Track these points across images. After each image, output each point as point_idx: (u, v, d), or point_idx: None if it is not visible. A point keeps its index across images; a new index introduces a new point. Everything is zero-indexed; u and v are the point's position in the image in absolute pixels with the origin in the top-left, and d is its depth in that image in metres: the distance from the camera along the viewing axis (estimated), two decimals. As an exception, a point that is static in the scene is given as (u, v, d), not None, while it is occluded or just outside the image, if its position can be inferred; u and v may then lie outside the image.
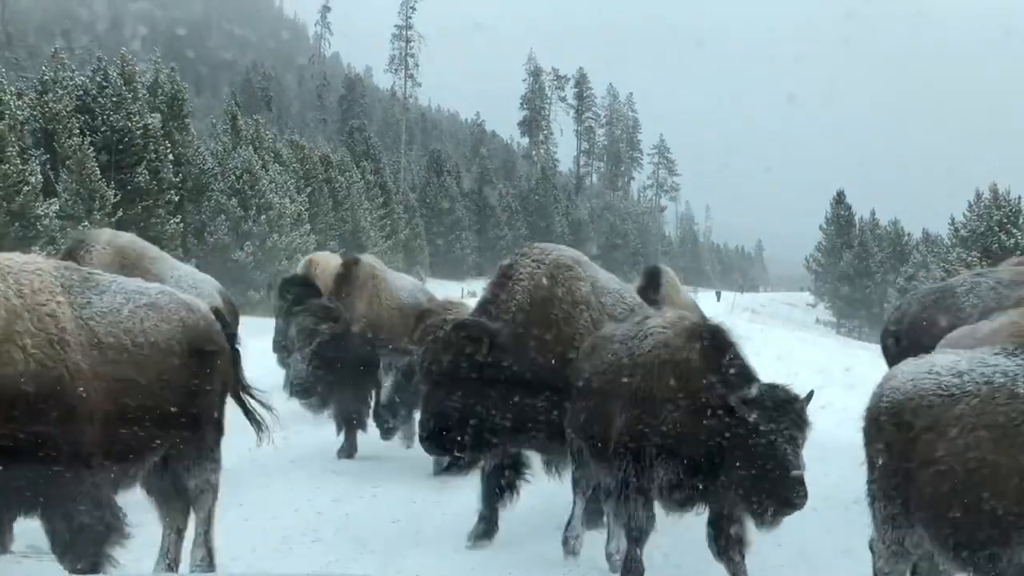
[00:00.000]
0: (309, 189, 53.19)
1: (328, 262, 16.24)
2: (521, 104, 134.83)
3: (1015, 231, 39.20)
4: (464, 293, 68.15)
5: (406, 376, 10.65)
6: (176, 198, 37.45)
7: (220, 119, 55.08)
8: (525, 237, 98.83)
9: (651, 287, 12.32)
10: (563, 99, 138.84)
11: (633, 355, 7.17)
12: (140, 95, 39.04)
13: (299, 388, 11.20)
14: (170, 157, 38.19)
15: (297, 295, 13.11)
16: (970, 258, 39.16)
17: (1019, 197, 41.02)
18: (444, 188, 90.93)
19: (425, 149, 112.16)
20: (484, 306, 8.75)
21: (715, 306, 63.32)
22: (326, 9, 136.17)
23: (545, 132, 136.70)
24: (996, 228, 39.54)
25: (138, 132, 36.85)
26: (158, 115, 38.77)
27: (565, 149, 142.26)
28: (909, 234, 67.72)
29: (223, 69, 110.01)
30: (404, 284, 13.33)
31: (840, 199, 67.94)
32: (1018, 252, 38.87)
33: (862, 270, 64.15)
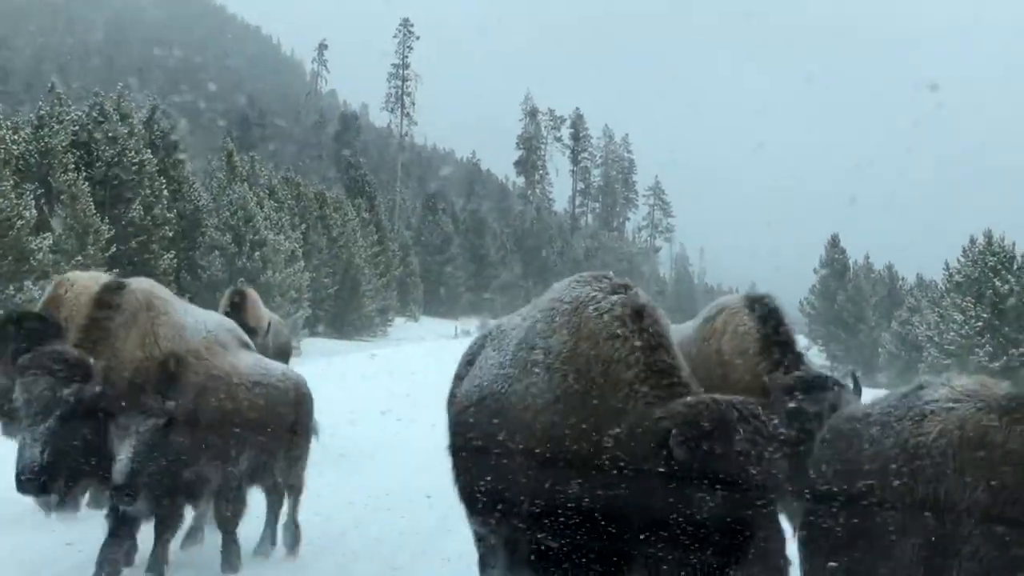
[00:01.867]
0: (304, 226, 53.20)
1: (85, 287, 10.08)
2: (517, 144, 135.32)
3: (1009, 277, 39.25)
4: (458, 332, 68.23)
5: (151, 446, 7.22)
6: (170, 234, 37.39)
7: (215, 155, 55.21)
8: (520, 276, 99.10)
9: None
10: (559, 139, 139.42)
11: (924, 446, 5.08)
12: (136, 131, 39.08)
13: (30, 482, 7.27)
14: (165, 193, 38.20)
15: (26, 338, 8.46)
16: (964, 303, 39.21)
17: (1013, 243, 41.12)
18: (439, 226, 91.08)
19: (420, 187, 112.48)
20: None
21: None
22: (323, 47, 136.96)
23: (541, 172, 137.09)
24: (990, 274, 39.56)
25: (133, 168, 36.86)
26: (150, 154, 38.69)
27: (560, 189, 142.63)
28: (903, 278, 67.82)
29: (219, 105, 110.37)
30: (195, 320, 8.86)
31: (834, 243, 68.03)
32: (1011, 298, 38.93)
33: (856, 314, 64.15)
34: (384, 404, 16.98)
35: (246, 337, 9.46)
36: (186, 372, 7.64)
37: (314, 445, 9.43)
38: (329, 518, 9.48)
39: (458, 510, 6.81)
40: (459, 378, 6.94)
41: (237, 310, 12.99)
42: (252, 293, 14.27)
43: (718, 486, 4.88)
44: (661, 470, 5.05)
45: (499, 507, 6.05)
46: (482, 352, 6.70)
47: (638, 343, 5.62)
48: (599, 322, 5.79)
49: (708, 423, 4.97)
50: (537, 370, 5.84)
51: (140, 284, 8.50)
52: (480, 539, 7.02)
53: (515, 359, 6.11)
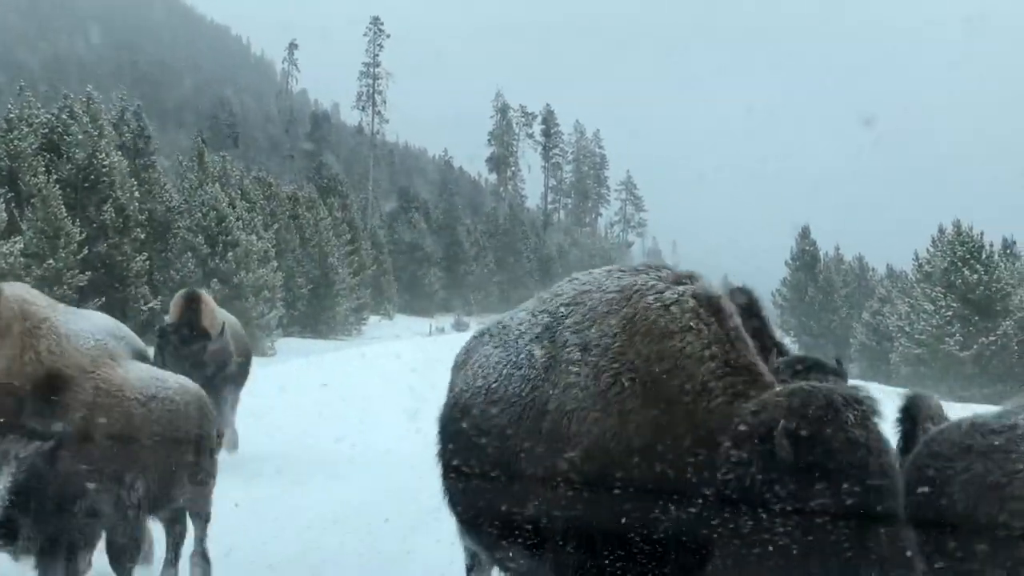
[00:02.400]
0: (276, 226, 53.09)
1: None
2: (489, 141, 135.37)
3: (978, 266, 39.58)
4: (432, 329, 68.22)
5: (33, 474, 6.07)
6: (142, 236, 37.28)
7: (187, 156, 55.01)
8: (493, 273, 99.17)
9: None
10: (530, 136, 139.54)
11: None
12: (106, 132, 38.93)
13: None
14: (136, 194, 38.09)
15: None
16: (934, 293, 39.52)
17: (981, 233, 41.50)
18: (412, 224, 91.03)
19: (393, 185, 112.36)
20: None
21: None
22: (293, 46, 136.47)
23: (513, 168, 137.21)
24: (959, 264, 39.89)
25: (104, 170, 36.72)
26: (121, 156, 38.52)
27: (533, 185, 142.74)
28: (873, 269, 68.26)
29: (190, 106, 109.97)
30: (80, 328, 7.66)
31: (805, 235, 68.34)
32: (980, 287, 39.28)
33: (827, 305, 64.53)
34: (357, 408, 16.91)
35: (141, 345, 8.33)
36: (71, 388, 6.67)
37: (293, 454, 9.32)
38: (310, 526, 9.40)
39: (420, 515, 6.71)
40: (454, 384, 6.26)
41: (190, 314, 12.50)
42: (205, 295, 13.44)
43: (835, 489, 4.16)
44: (758, 476, 4.30)
45: (510, 528, 5.35)
46: (478, 351, 6.06)
47: (714, 337, 4.92)
48: (665, 314, 5.03)
49: (819, 410, 4.29)
50: (575, 368, 5.08)
51: (13, 290, 7.23)
52: (472, 556, 6.56)
53: (534, 356, 5.40)
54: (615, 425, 4.83)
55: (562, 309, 5.50)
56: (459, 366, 6.31)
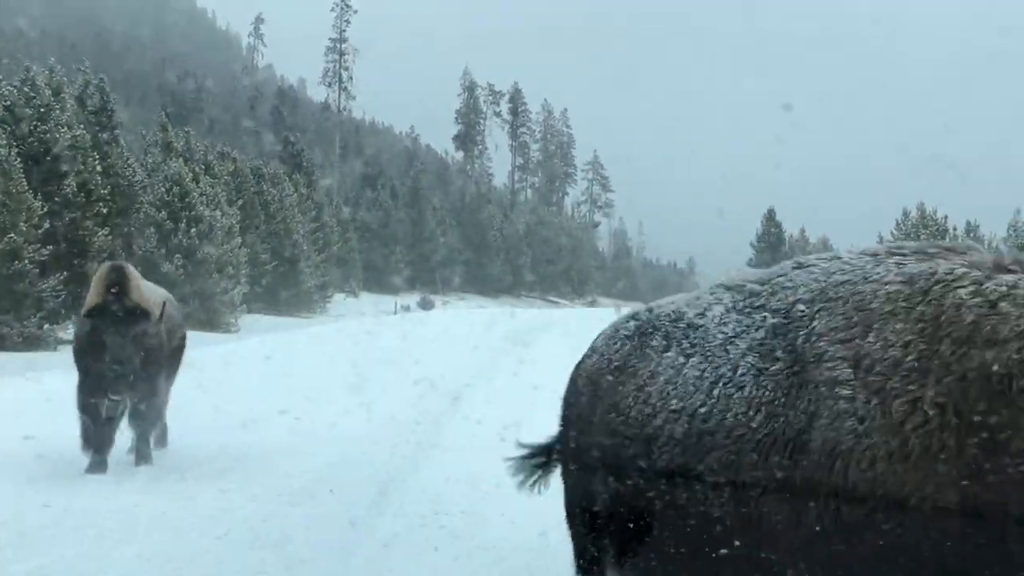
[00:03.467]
0: (241, 201, 52.74)
1: None
2: (456, 119, 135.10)
3: (942, 249, 39.93)
4: (398, 307, 68.08)
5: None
6: (105, 210, 36.89)
7: (150, 130, 54.50)
8: (459, 252, 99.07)
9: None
10: (498, 114, 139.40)
11: None
12: (68, 106, 38.46)
13: None
14: (98, 169, 37.67)
15: None
16: (898, 275, 39.79)
17: (945, 217, 41.74)
18: (378, 202, 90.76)
19: (359, 162, 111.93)
20: None
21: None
22: (259, 21, 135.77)
23: (480, 147, 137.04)
24: (923, 246, 40.25)
25: (66, 143, 36.29)
26: (84, 130, 38.05)
27: (500, 164, 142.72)
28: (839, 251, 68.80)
29: (154, 80, 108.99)
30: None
31: (771, 216, 68.69)
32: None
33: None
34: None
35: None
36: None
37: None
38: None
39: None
40: (614, 400, 4.58)
41: (119, 291, 10.26)
42: (131, 268, 10.90)
43: None
44: None
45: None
46: (655, 358, 4.47)
47: None
48: (991, 314, 3.55)
49: None
50: (844, 392, 3.65)
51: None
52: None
53: (765, 373, 3.95)
54: (919, 472, 3.44)
55: (801, 307, 4.04)
56: (619, 371, 4.63)
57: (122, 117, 43.51)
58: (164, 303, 10.90)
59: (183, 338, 12.38)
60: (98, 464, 10.08)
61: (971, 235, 52.69)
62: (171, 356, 11.58)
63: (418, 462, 10.26)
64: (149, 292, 11.05)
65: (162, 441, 11.62)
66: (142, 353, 10.14)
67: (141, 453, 10.60)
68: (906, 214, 42.90)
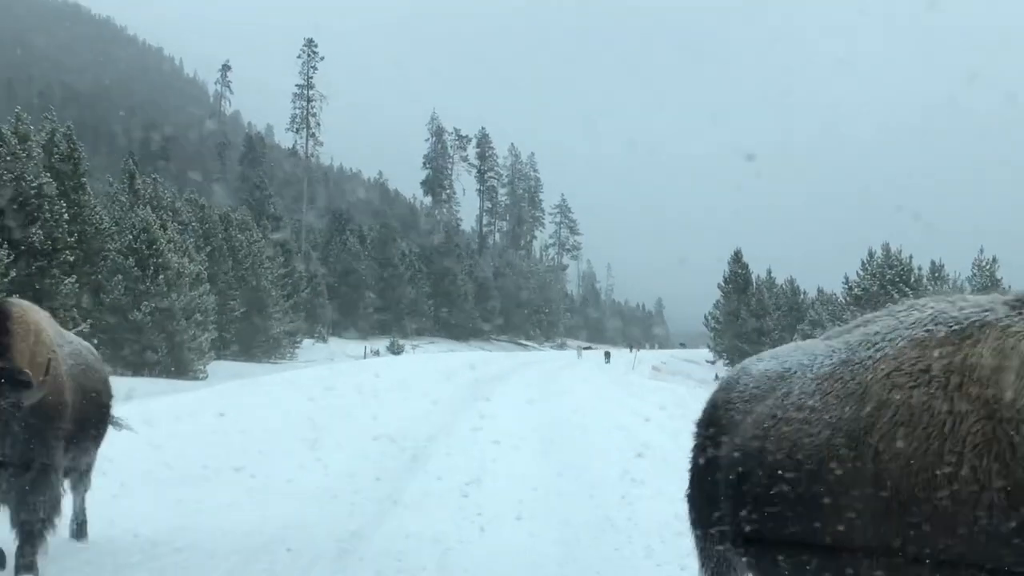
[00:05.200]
0: (209, 248, 52.65)
1: None
2: (424, 163, 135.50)
3: (907, 289, 40.16)
4: (367, 352, 67.91)
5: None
6: (71, 258, 36.77)
7: (117, 178, 54.38)
8: (428, 296, 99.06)
9: None
10: (465, 159, 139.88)
11: None
12: (35, 154, 38.37)
13: None
14: (65, 216, 37.57)
15: None
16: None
17: (910, 257, 42.12)
18: (346, 247, 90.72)
19: (327, 208, 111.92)
20: None
21: (615, 362, 63.52)
22: (226, 68, 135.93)
23: (448, 191, 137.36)
24: (888, 287, 40.48)
25: (32, 191, 36.18)
26: (50, 178, 37.90)
27: (468, 208, 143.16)
28: (804, 292, 69.07)
29: (121, 127, 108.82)
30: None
31: (738, 258, 69.01)
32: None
33: (759, 328, 65.15)
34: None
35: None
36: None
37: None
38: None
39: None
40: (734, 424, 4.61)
41: None
42: (17, 309, 7.50)
43: None
44: None
45: None
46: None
47: None
48: None
49: None
50: None
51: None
52: None
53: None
54: None
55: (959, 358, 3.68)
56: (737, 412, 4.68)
57: (89, 164, 43.38)
58: (49, 359, 7.36)
59: (102, 394, 8.75)
60: None
61: (936, 275, 53.16)
62: (83, 422, 8.17)
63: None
64: (38, 343, 7.63)
65: (81, 533, 8.77)
66: (16, 429, 7.06)
67: (23, 563, 7.33)
68: (871, 255, 43.25)
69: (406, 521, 9.83)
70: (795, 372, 4.49)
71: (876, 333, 4.21)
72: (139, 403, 17.74)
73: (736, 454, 4.48)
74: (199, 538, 8.90)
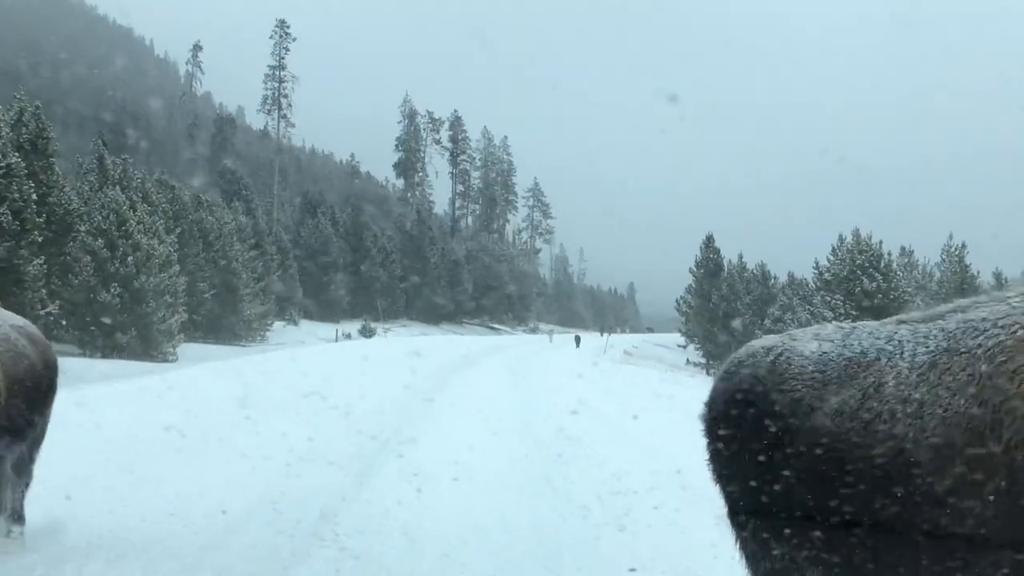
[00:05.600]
0: (179, 230, 52.32)
1: None
2: (396, 146, 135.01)
3: (876, 275, 40.33)
4: (339, 335, 67.72)
5: None
6: (40, 239, 36.47)
7: (87, 158, 53.94)
8: (400, 279, 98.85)
9: None
10: (438, 142, 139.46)
11: None
12: (3, 133, 38.01)
13: None
14: (34, 197, 37.24)
15: None
16: (834, 301, 40.19)
17: (880, 242, 42.23)
18: (318, 229, 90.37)
19: (299, 190, 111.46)
20: None
21: (586, 347, 63.62)
22: (197, 48, 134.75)
23: (420, 174, 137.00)
24: (858, 272, 40.61)
25: (0, 171, 35.84)
26: (19, 158, 37.51)
27: (441, 191, 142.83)
28: (775, 277, 69.21)
29: (91, 107, 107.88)
30: None
31: (709, 242, 69.17)
32: (879, 295, 40.08)
33: (730, 312, 65.34)
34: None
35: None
36: None
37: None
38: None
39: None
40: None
41: None
42: None
43: None
44: None
45: None
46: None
47: None
48: None
49: None
50: None
51: None
52: None
53: None
54: None
55: None
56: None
57: (58, 145, 42.95)
58: None
59: (39, 384, 7.59)
60: None
61: (906, 260, 53.47)
62: (13, 414, 7.13)
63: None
64: None
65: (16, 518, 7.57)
66: None
67: None
68: (842, 239, 43.37)
69: (341, 481, 9.80)
70: (878, 359, 4.17)
71: (984, 320, 3.97)
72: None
73: (808, 448, 4.19)
74: (132, 499, 8.76)
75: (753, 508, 4.53)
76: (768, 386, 4.49)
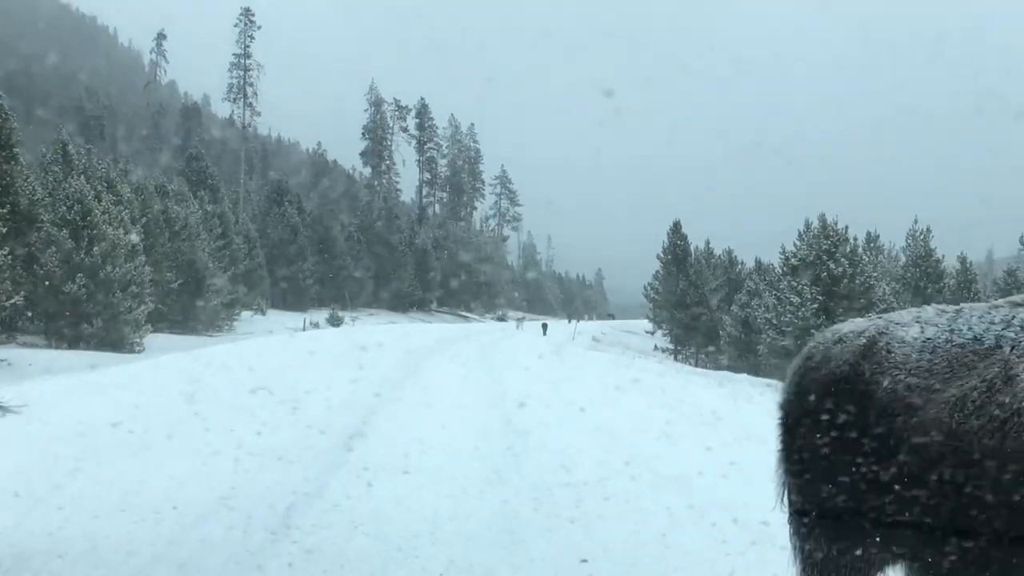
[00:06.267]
0: (145, 219, 51.99)
1: None
2: (363, 134, 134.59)
3: (842, 259, 40.53)
4: (307, 324, 67.55)
5: None
6: (3, 229, 36.15)
7: (51, 148, 53.50)
8: (368, 267, 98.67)
9: None
10: (405, 130, 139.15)
11: None
12: (-35, 123, 37.61)
13: None
14: (-3, 187, 36.92)
15: None
16: (800, 286, 40.38)
17: (846, 228, 42.40)
18: (285, 218, 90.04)
19: (265, 179, 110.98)
20: None
21: (554, 334, 63.74)
22: (161, 36, 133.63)
23: (387, 162, 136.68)
24: (825, 257, 40.82)
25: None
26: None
27: (408, 179, 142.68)
28: (742, 263, 69.49)
29: (54, 96, 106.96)
30: None
31: (676, 229, 69.32)
32: (845, 280, 40.34)
33: (698, 298, 65.59)
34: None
35: None
36: None
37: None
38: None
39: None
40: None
41: None
42: None
43: None
44: None
45: None
46: None
47: None
48: None
49: None
50: None
51: None
52: None
53: None
54: None
55: None
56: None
57: (21, 135, 42.54)
58: None
59: None
60: None
61: (871, 244, 53.83)
62: None
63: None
64: None
65: None
66: None
67: None
68: (808, 226, 43.53)
69: (290, 476, 9.79)
70: (999, 346, 3.88)
71: None
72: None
73: (917, 444, 3.86)
74: (82, 495, 8.72)
75: (834, 505, 4.22)
76: (864, 375, 4.19)
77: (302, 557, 6.99)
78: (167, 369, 22.03)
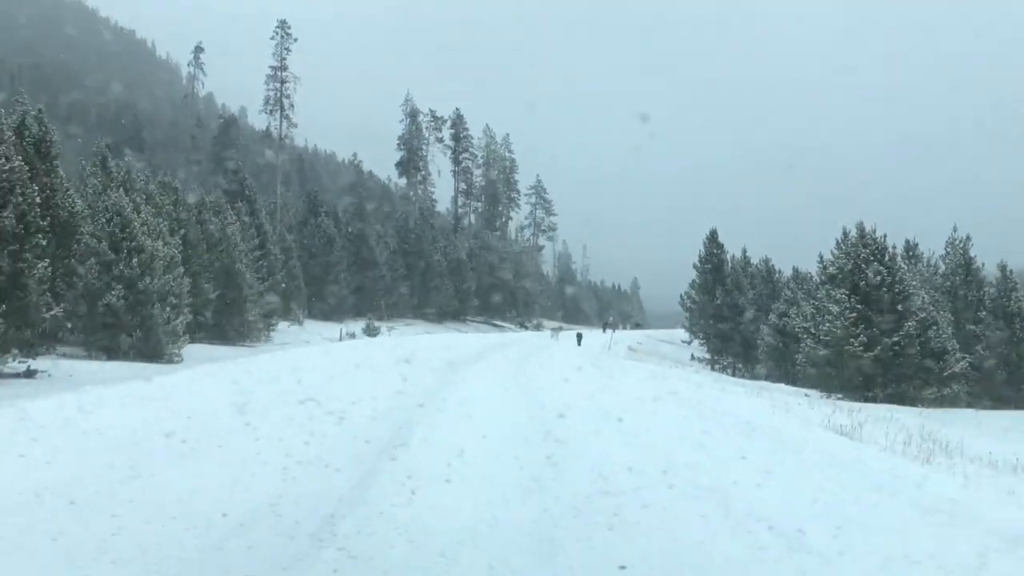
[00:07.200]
0: (182, 231, 52.36)
1: None
2: (398, 145, 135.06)
3: (881, 268, 40.17)
4: (343, 334, 67.78)
5: None
6: (44, 242, 36.50)
7: (90, 161, 53.99)
8: (404, 277, 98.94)
9: None
10: (440, 140, 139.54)
11: None
12: (6, 137, 38.03)
13: None
14: (37, 200, 37.29)
15: None
16: (839, 295, 40.10)
17: (884, 236, 42.00)
18: (321, 229, 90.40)
19: (302, 190, 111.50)
20: None
21: (588, 344, 63.46)
22: (199, 50, 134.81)
23: (423, 173, 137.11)
24: (863, 266, 40.51)
25: (3, 175, 35.87)
26: (22, 161, 37.52)
27: (443, 189, 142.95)
28: (780, 272, 69.14)
29: (94, 109, 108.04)
30: None
31: (713, 238, 69.07)
32: (883, 289, 40.02)
33: (735, 307, 65.31)
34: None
35: None
36: None
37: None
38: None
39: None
40: None
41: None
42: None
43: None
44: None
45: None
46: None
47: None
48: None
49: None
50: None
51: None
52: None
53: None
54: None
55: None
56: None
57: (61, 147, 42.96)
58: None
59: None
60: None
61: (910, 253, 53.35)
62: None
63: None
64: None
65: None
66: None
67: None
68: (846, 233, 43.22)
69: (336, 484, 9.86)
70: None
71: None
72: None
73: None
74: (140, 501, 8.85)
75: None
76: None
77: (347, 563, 7.09)
78: (218, 379, 22.22)
